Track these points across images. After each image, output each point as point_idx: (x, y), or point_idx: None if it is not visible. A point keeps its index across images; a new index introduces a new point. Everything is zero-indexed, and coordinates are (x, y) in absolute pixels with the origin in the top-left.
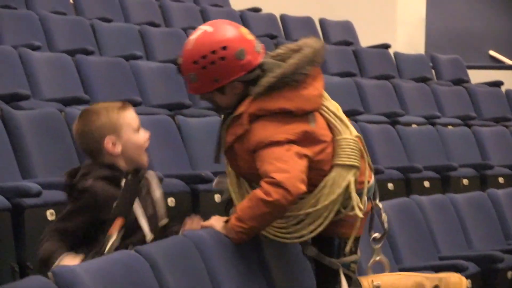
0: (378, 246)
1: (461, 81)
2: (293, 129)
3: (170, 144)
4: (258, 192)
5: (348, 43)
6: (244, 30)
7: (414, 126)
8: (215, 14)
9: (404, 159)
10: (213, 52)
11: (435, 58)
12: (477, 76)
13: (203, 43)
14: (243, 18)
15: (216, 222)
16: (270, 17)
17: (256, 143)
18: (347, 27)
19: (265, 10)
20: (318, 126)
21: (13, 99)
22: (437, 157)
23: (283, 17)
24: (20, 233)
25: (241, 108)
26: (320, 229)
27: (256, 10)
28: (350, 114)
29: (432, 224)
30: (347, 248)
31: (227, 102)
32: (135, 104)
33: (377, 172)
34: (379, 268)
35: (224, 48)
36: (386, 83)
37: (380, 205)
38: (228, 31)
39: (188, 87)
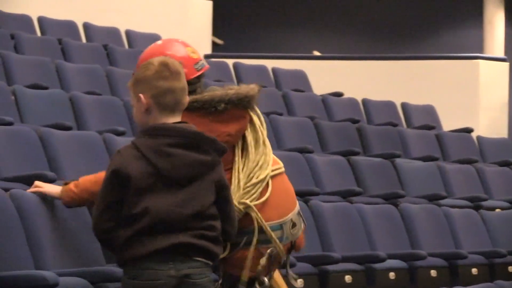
0: None
1: None
2: None
3: None
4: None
5: (430, 127)
6: (190, 49)
7: (497, 210)
8: (296, 99)
9: (488, 244)
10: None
11: None
12: None
13: (149, 52)
14: (325, 102)
15: (51, 187)
16: (352, 101)
17: None
18: (429, 111)
19: (347, 94)
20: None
21: None
22: None
23: (364, 102)
24: None
25: None
26: None
27: (338, 94)
28: (433, 198)
29: None
30: None
31: None
32: None
33: (460, 257)
34: None
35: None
36: (469, 167)
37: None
38: (173, 46)
39: None
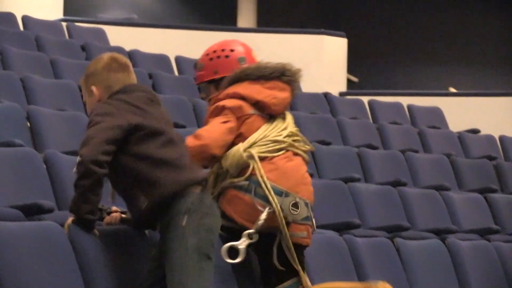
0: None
1: None
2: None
3: (389, 267)
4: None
5: None
6: (253, 52)
7: None
8: (432, 136)
9: None
10: (223, 50)
11: None
12: None
13: (219, 43)
14: (461, 139)
15: None
16: (489, 138)
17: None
18: None
19: (484, 131)
20: (256, 121)
21: None
22: None
23: (502, 138)
24: None
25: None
26: None
27: (475, 131)
28: None
29: None
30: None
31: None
32: (353, 227)
33: None
34: None
35: (232, 50)
36: None
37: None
38: (240, 43)
39: (195, 77)
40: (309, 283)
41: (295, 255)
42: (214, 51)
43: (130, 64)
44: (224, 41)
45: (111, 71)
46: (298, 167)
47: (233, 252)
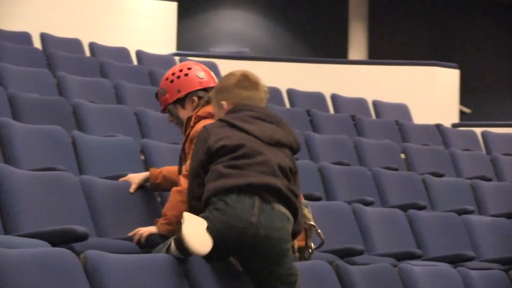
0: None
1: None
2: None
3: None
4: (174, 187)
5: None
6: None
7: None
8: None
9: None
10: (180, 70)
11: None
12: None
13: (175, 66)
14: None
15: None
16: None
17: (194, 135)
18: None
19: None
20: None
21: (347, 254)
22: None
23: None
24: None
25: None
26: None
27: None
28: None
29: None
30: None
31: (185, 115)
32: (467, 259)
33: None
34: None
35: (189, 68)
36: None
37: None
38: (196, 63)
39: (160, 103)
40: None
41: None
42: (173, 73)
43: (260, 82)
44: (179, 64)
45: (242, 88)
46: None
47: None
